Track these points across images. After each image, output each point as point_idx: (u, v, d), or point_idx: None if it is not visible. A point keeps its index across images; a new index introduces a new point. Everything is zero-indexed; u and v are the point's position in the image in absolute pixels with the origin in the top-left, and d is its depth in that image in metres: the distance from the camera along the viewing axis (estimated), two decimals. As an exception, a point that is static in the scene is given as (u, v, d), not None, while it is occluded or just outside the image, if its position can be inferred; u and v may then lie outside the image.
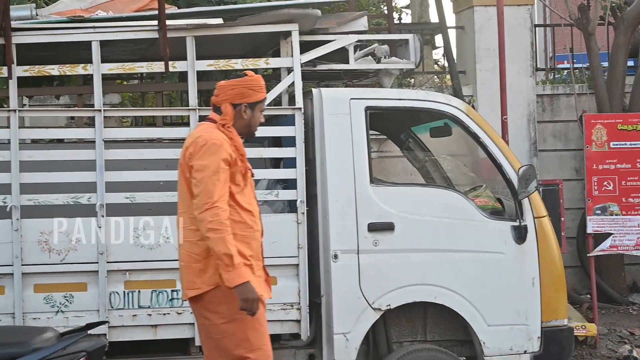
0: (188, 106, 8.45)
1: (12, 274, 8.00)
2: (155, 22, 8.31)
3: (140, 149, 8.62)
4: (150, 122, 10.26)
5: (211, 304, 6.55)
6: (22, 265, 8.02)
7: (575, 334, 9.27)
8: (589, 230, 11.33)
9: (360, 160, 8.26)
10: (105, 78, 8.47)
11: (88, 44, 8.28)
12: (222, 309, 6.52)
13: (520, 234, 8.33)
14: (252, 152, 7.65)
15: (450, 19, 13.30)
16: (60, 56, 8.59)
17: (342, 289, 8.18)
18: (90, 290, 8.08)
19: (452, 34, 13.23)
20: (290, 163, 8.43)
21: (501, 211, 8.56)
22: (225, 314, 6.49)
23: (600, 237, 11.12)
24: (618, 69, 13.10)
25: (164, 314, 8.17)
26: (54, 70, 8.46)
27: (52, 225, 8.11)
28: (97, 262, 8.08)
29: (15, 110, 8.15)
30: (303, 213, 8.30)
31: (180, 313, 8.10)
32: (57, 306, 8.05)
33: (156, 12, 8.38)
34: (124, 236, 8.15)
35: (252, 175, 6.82)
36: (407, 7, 14.76)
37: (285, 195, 8.40)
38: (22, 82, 8.42)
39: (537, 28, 14.45)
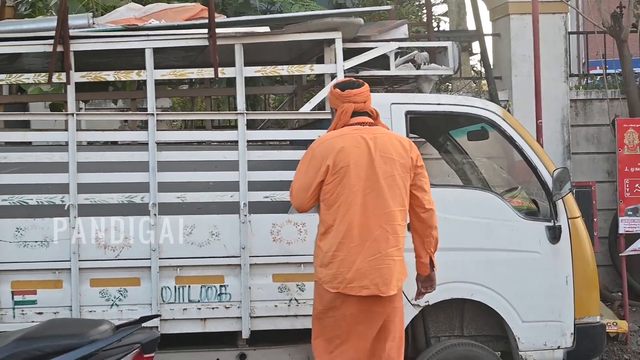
0: (236, 110, 8.48)
1: (70, 269, 8.11)
2: (206, 30, 8.37)
3: (191, 151, 8.72)
4: (200, 125, 10.35)
5: (399, 298, 7.11)
6: (79, 260, 8.13)
7: (607, 330, 9.27)
8: (621, 230, 11.30)
9: (401, 162, 8.35)
10: (157, 83, 8.51)
11: (142, 51, 8.37)
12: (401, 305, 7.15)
13: (554, 234, 8.38)
14: (299, 155, 7.69)
15: (487, 27, 13.33)
16: (115, 62, 8.67)
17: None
18: (143, 285, 8.17)
19: (488, 41, 13.25)
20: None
21: (536, 212, 8.60)
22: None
23: (632, 238, 11.10)
24: (650, 74, 13.12)
25: (213, 308, 8.24)
26: (109, 76, 8.56)
27: (107, 223, 8.24)
28: (149, 259, 8.17)
29: (73, 114, 8.27)
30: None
31: (228, 307, 8.18)
32: (112, 300, 8.16)
33: (206, 20, 8.46)
34: (175, 234, 8.24)
35: None
36: (445, 14, 14.79)
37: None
38: (79, 87, 8.50)
39: (570, 35, 14.39)
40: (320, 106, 8.62)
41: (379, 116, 7.31)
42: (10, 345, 6.08)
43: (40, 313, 8.08)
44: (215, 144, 8.85)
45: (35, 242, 8.16)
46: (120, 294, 8.20)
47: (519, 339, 8.37)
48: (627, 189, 11.48)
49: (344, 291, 6.91)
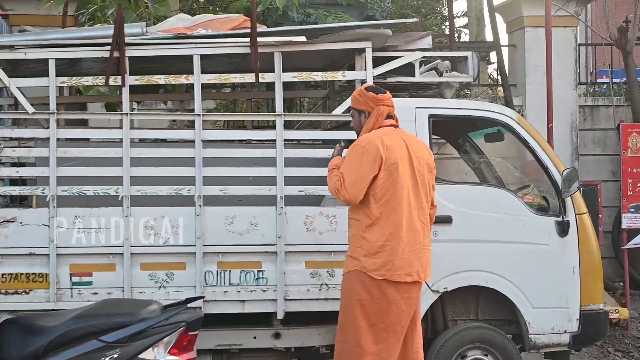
0: (274, 112, 8.46)
1: (122, 254, 8.12)
2: (248, 39, 8.37)
3: (233, 149, 8.70)
4: (241, 125, 10.32)
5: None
6: (131, 246, 8.14)
7: (609, 317, 9.18)
8: (624, 225, 11.26)
9: (424, 162, 8.30)
10: (203, 86, 8.51)
11: (190, 57, 8.37)
12: None
13: (562, 228, 8.31)
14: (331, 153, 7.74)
15: (504, 38, 13.29)
16: (165, 67, 8.70)
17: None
18: (188, 269, 8.16)
19: (504, 51, 13.22)
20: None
21: (546, 208, 8.54)
22: None
23: (633, 232, 11.04)
24: (653, 83, 13.03)
25: (251, 291, 8.23)
26: (160, 79, 8.58)
27: (156, 213, 8.24)
28: (194, 245, 8.16)
29: (127, 114, 8.29)
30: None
31: (265, 291, 8.17)
32: (160, 282, 8.16)
33: (249, 30, 8.45)
34: (217, 223, 8.24)
35: None
36: (465, 26, 14.68)
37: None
38: (133, 89, 8.53)
39: (580, 47, 14.34)
40: (349, 110, 8.54)
41: (398, 121, 7.36)
42: (68, 322, 6.13)
43: (95, 293, 8.10)
44: (255, 142, 8.86)
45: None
46: (168, 277, 8.21)
47: (529, 323, 8.31)
48: (630, 188, 11.46)
49: (390, 278, 6.92)
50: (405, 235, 6.97)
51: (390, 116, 7.24)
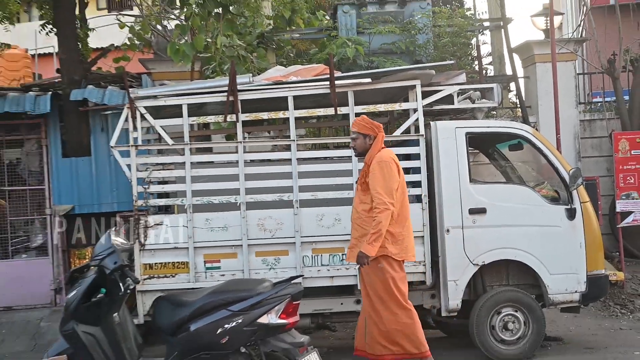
0: (349, 135, 8.48)
1: (242, 245, 8.26)
2: (328, 83, 8.44)
3: (320, 164, 8.74)
4: (325, 146, 10.37)
5: None
6: (248, 239, 8.27)
7: (609, 279, 9.07)
8: (618, 209, 11.09)
9: (463, 167, 8.28)
10: (296, 119, 8.56)
11: (285, 98, 8.47)
12: None
13: (571, 214, 8.25)
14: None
15: (520, 72, 13.19)
16: (267, 106, 8.73)
17: (453, 252, 8.22)
18: (290, 255, 8.26)
19: (521, 81, 13.09)
20: (417, 171, 8.47)
21: (557, 198, 8.43)
22: None
23: (625, 214, 10.90)
24: (635, 101, 12.77)
25: (337, 269, 8.31)
26: (264, 115, 8.67)
27: (265, 214, 8.34)
28: (294, 237, 8.26)
29: (240, 142, 8.43)
30: (426, 203, 8.34)
31: (348, 268, 8.20)
32: (270, 265, 8.28)
33: (328, 75, 8.54)
34: (311, 220, 8.33)
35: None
36: (489, 64, 14.57)
37: (414, 191, 8.36)
38: (244, 123, 8.60)
39: (578, 75, 14.14)
40: (406, 131, 8.59)
41: None
42: (204, 297, 6.25)
43: (222, 275, 8.24)
44: (336, 158, 8.83)
45: (219, 227, 8.32)
46: (275, 261, 8.32)
47: (547, 286, 8.26)
48: (622, 181, 11.33)
49: (406, 258, 7.22)
50: (408, 227, 7.26)
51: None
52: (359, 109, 8.56)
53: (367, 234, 6.98)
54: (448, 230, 8.24)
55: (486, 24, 14.88)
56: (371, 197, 7.06)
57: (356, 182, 7.60)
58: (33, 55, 18.22)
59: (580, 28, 16.36)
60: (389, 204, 6.95)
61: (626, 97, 12.99)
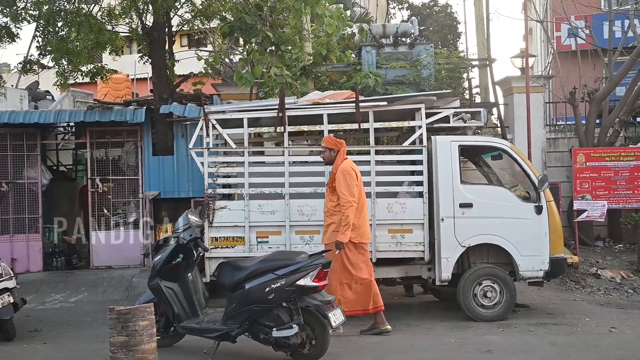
0: (369, 145, 8.48)
1: (285, 225, 8.24)
2: (354, 104, 8.40)
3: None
4: (349, 152, 10.29)
5: None
6: (290, 221, 8.24)
7: (567, 261, 8.92)
8: (575, 207, 10.88)
9: (455, 171, 8.17)
10: (329, 131, 8.46)
11: (321, 115, 8.43)
12: None
13: (538, 210, 8.09)
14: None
15: (501, 99, 12.98)
16: (307, 120, 8.70)
17: (446, 236, 8.12)
18: (321, 234, 7.86)
19: (502, 107, 12.99)
20: (420, 173, 8.38)
21: (528, 198, 8.27)
22: None
23: (580, 212, 10.71)
24: (590, 124, 12.56)
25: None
26: (305, 128, 8.69)
27: (303, 202, 8.29)
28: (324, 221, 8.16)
29: (286, 147, 8.43)
30: (426, 198, 8.25)
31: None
32: (306, 241, 8.21)
33: (354, 99, 8.48)
34: (383, 209, 8.25)
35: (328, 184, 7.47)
36: (477, 93, 14.41)
37: (418, 189, 8.33)
38: (289, 133, 8.56)
39: (547, 104, 13.97)
40: (413, 142, 8.50)
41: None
42: (256, 264, 6.27)
43: (270, 247, 8.22)
44: (357, 161, 8.71)
45: (268, 212, 8.32)
46: (310, 238, 8.25)
47: (519, 265, 8.13)
48: (579, 186, 11.17)
49: (362, 241, 7.32)
50: (364, 217, 7.35)
51: None
52: (377, 124, 8.52)
53: (333, 222, 7.26)
54: (443, 219, 8.13)
55: (475, 63, 14.75)
56: (337, 197, 7.23)
57: (326, 184, 7.65)
58: (132, 79, 18.43)
59: (548, 67, 16.23)
60: (352, 201, 7.17)
61: (583, 121, 12.78)
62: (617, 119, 12.56)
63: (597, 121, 12.86)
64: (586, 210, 10.70)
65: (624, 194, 11.18)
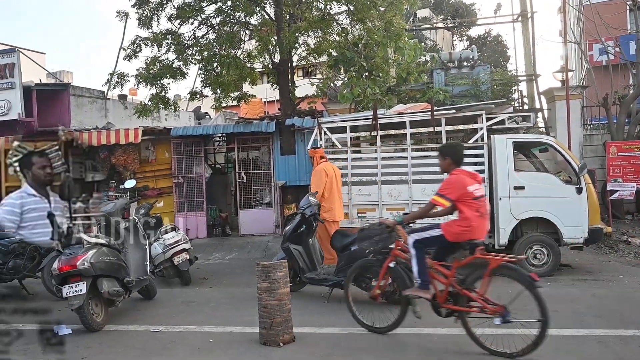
0: (437, 144, 8.21)
1: (378, 204, 8.15)
2: (429, 113, 8.16)
3: (423, 160, 8.37)
4: (425, 149, 10.06)
5: None
6: (382, 201, 8.14)
7: (602, 231, 8.28)
8: (608, 188, 10.12)
9: (510, 162, 7.80)
10: (410, 134, 8.33)
11: (404, 122, 8.28)
12: None
13: (579, 190, 7.58)
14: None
15: (545, 105, 12.25)
16: (394, 126, 8.55)
17: (503, 211, 7.77)
18: (406, 210, 7.84)
19: (546, 112, 12.21)
20: (482, 164, 8.01)
21: (570, 181, 7.73)
22: None
23: (613, 192, 9.92)
24: (621, 122, 11.58)
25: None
26: (392, 132, 8.53)
27: (392, 187, 8.15)
28: (408, 201, 8.04)
29: (379, 147, 8.34)
30: (487, 183, 7.88)
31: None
32: (394, 217, 7.61)
33: (429, 109, 8.29)
34: (417, 191, 8.05)
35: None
36: (525, 103, 13.60)
37: (481, 176, 7.95)
38: (381, 136, 8.46)
39: (584, 107, 13.00)
40: (476, 141, 8.15)
41: (326, 156, 7.58)
42: (359, 232, 6.04)
43: (367, 221, 8.11)
44: (430, 157, 8.42)
45: (366, 194, 8.25)
46: (398, 213, 7.93)
47: (563, 234, 7.66)
48: (611, 172, 10.36)
49: (334, 219, 7.15)
50: (337, 202, 7.23)
51: (322, 157, 7.44)
52: (448, 128, 8.25)
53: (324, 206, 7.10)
54: (500, 199, 7.79)
55: (523, 78, 13.93)
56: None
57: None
58: (265, 101, 18.88)
59: (584, 79, 15.08)
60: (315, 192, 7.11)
61: (614, 120, 11.77)
62: (644, 118, 11.54)
63: (627, 120, 11.86)
64: (618, 190, 9.91)
65: (650, 178, 10.27)
